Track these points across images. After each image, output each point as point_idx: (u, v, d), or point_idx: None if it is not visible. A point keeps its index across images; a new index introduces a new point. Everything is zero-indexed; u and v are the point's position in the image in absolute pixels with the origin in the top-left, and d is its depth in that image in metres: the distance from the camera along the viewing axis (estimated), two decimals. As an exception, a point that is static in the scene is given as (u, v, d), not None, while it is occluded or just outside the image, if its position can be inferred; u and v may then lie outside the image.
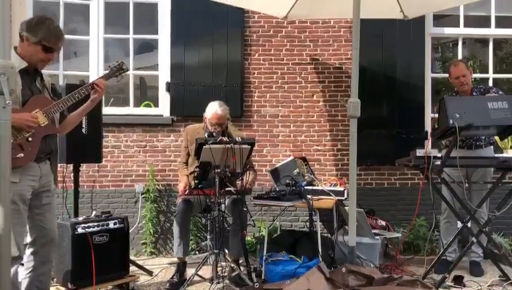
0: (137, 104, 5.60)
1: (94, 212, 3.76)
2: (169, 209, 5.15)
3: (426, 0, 4.47)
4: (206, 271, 3.84)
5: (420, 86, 5.23)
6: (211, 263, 3.68)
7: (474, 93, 4.16)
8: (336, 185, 4.32)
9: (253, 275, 3.89)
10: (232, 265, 3.83)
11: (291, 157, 4.64)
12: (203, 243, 4.96)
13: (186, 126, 4.66)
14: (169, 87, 5.20)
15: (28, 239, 2.88)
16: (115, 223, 3.66)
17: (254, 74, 5.26)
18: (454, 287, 3.77)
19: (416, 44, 5.23)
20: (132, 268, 3.98)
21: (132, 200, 5.17)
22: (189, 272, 3.94)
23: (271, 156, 5.23)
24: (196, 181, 3.73)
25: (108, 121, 4.85)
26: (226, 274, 3.76)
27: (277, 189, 4.21)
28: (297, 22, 5.23)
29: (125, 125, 5.20)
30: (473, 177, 4.21)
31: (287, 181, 4.10)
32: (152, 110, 5.43)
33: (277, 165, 4.56)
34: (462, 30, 5.46)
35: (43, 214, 2.86)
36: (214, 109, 4.10)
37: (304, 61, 5.28)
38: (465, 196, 3.98)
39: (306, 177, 4.35)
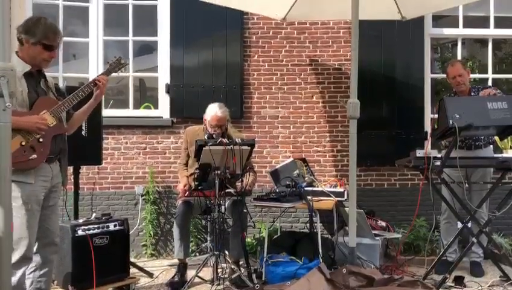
0: (137, 106, 5.61)
1: (94, 215, 3.76)
2: (169, 211, 5.15)
3: (424, 1, 4.48)
4: (207, 273, 3.84)
5: (419, 86, 5.23)
6: (212, 265, 3.68)
7: (472, 94, 4.17)
8: (335, 186, 4.33)
9: (254, 276, 3.89)
10: (233, 266, 3.83)
11: (291, 159, 4.65)
12: (203, 245, 4.96)
13: (186, 128, 4.66)
14: (168, 89, 5.20)
15: None
16: (115, 225, 3.66)
17: (254, 75, 5.26)
18: (455, 287, 3.77)
19: (416, 45, 5.24)
20: (132, 270, 3.99)
21: (132, 202, 5.17)
22: (190, 273, 3.94)
23: (271, 158, 5.23)
24: (196, 183, 3.74)
25: (108, 123, 4.85)
26: (226, 276, 3.76)
27: (277, 190, 4.20)
28: (296, 23, 5.24)
29: (125, 127, 5.20)
30: (473, 177, 4.21)
31: (287, 182, 4.10)
32: (152, 112, 5.44)
33: (277, 167, 4.56)
34: (461, 30, 5.47)
35: (49, 215, 2.90)
36: (213, 111, 4.10)
37: (303, 63, 5.29)
38: (465, 196, 3.98)
39: (306, 178, 4.35)
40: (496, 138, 4.44)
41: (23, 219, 2.67)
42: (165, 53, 5.23)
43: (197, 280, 3.75)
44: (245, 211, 4.01)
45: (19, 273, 2.71)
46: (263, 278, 3.87)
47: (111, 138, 5.15)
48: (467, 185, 4.12)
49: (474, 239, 3.81)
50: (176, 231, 4.01)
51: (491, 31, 5.46)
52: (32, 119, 2.69)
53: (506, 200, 3.78)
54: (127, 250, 3.78)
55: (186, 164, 4.30)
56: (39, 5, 5.26)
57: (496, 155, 4.23)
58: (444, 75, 4.54)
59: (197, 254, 4.97)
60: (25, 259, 2.73)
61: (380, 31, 5.16)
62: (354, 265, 3.46)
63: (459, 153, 3.73)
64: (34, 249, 2.87)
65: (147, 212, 5.07)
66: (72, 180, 4.10)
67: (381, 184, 5.25)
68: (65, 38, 5.29)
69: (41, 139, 2.73)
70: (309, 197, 3.94)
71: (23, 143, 2.66)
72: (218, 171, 3.58)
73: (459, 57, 5.45)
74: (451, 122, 3.44)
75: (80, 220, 3.62)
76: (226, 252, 3.96)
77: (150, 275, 4.22)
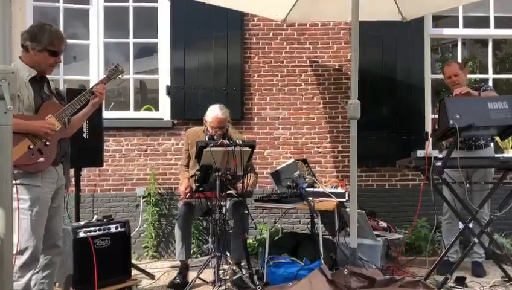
0: (137, 108, 5.62)
1: (95, 217, 3.76)
2: (170, 213, 5.15)
3: (424, 1, 4.48)
4: (208, 274, 3.84)
5: (420, 87, 5.23)
6: (213, 266, 3.68)
7: None
8: (336, 187, 4.33)
9: (255, 277, 3.88)
10: (234, 268, 3.83)
11: (292, 160, 4.65)
12: (204, 246, 4.97)
13: (186, 129, 4.67)
14: (169, 90, 5.21)
15: None
16: (116, 227, 3.67)
17: (254, 76, 5.27)
18: (457, 288, 3.77)
19: (416, 45, 5.24)
20: (134, 272, 3.99)
21: (133, 204, 5.17)
22: (191, 275, 3.93)
23: (272, 159, 5.24)
24: (197, 184, 3.74)
25: (109, 125, 4.86)
26: (228, 277, 3.76)
27: (278, 191, 4.20)
28: (296, 24, 5.25)
29: (126, 129, 5.21)
30: (474, 177, 4.21)
31: (288, 183, 4.10)
32: (153, 114, 5.45)
33: (278, 168, 4.57)
34: (461, 31, 5.47)
35: (53, 216, 2.93)
36: (214, 112, 4.11)
37: (303, 64, 5.29)
38: (466, 197, 3.98)
39: (307, 179, 4.36)
40: (497, 138, 4.44)
41: (31, 221, 2.71)
42: (166, 55, 5.24)
43: (198, 281, 3.76)
44: (246, 212, 4.01)
45: (29, 274, 2.75)
46: (265, 280, 3.87)
47: (112, 140, 5.16)
48: (468, 186, 4.12)
49: (475, 239, 3.80)
50: (177, 232, 4.01)
51: (491, 31, 5.46)
52: (40, 123, 2.75)
53: (508, 200, 3.77)
54: (129, 252, 3.78)
55: (187, 166, 4.30)
56: (40, 8, 5.28)
57: (497, 155, 4.23)
58: (445, 76, 4.55)
59: (199, 255, 4.98)
60: (33, 261, 2.77)
61: (380, 32, 5.17)
62: (356, 266, 3.45)
63: (460, 154, 3.73)
64: None
65: (148, 214, 5.07)
66: (74, 182, 4.10)
67: (382, 185, 5.25)
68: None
69: (48, 143, 2.79)
70: (310, 198, 3.94)
71: (31, 146, 2.72)
72: (219, 173, 3.58)
73: (459, 58, 5.45)
74: (451, 122, 3.44)
75: (82, 222, 3.63)
76: (228, 254, 3.96)
77: (152, 276, 4.22)
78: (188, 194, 3.98)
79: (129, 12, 5.32)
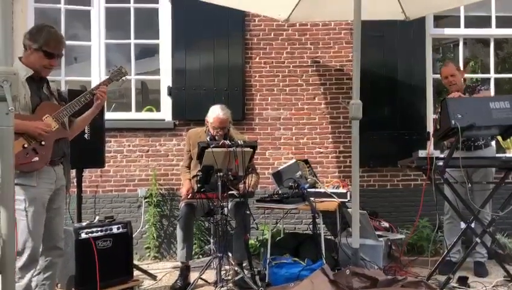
0: (139, 108, 5.62)
1: (97, 217, 3.76)
2: (172, 214, 5.15)
3: (428, 1, 4.48)
4: (210, 275, 3.84)
5: (421, 87, 5.23)
6: (215, 267, 3.68)
7: (466, 94, 4.19)
8: (338, 187, 4.32)
9: (257, 278, 3.87)
10: (236, 268, 3.82)
11: (294, 160, 4.64)
12: (206, 247, 4.97)
13: (188, 130, 4.67)
14: (170, 91, 5.21)
15: None
16: (118, 228, 3.67)
17: (255, 77, 5.27)
18: (459, 288, 3.76)
19: (417, 45, 5.23)
20: (136, 273, 3.99)
21: (135, 204, 5.17)
22: (193, 276, 3.93)
23: (273, 159, 5.23)
24: (199, 185, 3.74)
25: (111, 126, 4.87)
26: (229, 278, 3.77)
27: (280, 192, 4.20)
28: (297, 24, 5.25)
29: (128, 130, 5.21)
30: (474, 177, 4.20)
31: (290, 184, 4.10)
32: (154, 115, 5.45)
33: (279, 168, 4.57)
34: (462, 31, 5.47)
35: (53, 218, 2.91)
36: (216, 113, 4.11)
37: (305, 64, 5.29)
38: (468, 196, 3.97)
39: (308, 179, 4.35)
40: (499, 137, 4.43)
41: (28, 222, 2.70)
42: (167, 56, 5.24)
43: (200, 282, 3.75)
44: (248, 212, 4.00)
45: (28, 275, 2.74)
46: (266, 280, 3.86)
47: (113, 141, 5.17)
48: (469, 185, 4.12)
49: (477, 239, 3.79)
50: (179, 233, 4.01)
51: (493, 31, 5.45)
52: (35, 124, 2.72)
53: (510, 200, 3.76)
54: (130, 253, 3.79)
55: (189, 166, 4.30)
56: (41, 9, 5.29)
57: (498, 155, 4.23)
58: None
59: (201, 256, 4.97)
60: (33, 261, 2.75)
61: (382, 32, 5.17)
62: (358, 266, 3.45)
63: (459, 155, 3.72)
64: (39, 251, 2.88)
65: (150, 215, 5.07)
66: (75, 183, 4.11)
67: (384, 185, 5.24)
68: (67, 42, 5.31)
69: (43, 142, 2.77)
70: (312, 199, 3.94)
71: (26, 145, 2.70)
72: (221, 173, 3.58)
73: (460, 57, 5.45)
74: (453, 122, 3.43)
75: (83, 223, 3.63)
76: (229, 254, 3.96)
77: (153, 277, 4.22)
78: (190, 195, 3.98)
79: (130, 13, 5.32)
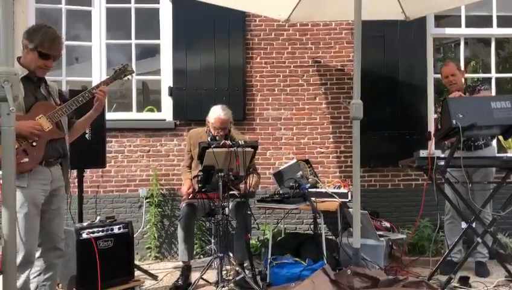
0: (140, 109, 5.62)
1: (98, 218, 3.77)
2: (173, 214, 5.15)
3: (428, 0, 4.47)
4: (211, 275, 3.84)
5: (422, 87, 5.23)
6: (216, 267, 3.68)
7: (466, 93, 4.18)
8: (339, 187, 4.32)
9: (258, 278, 3.88)
10: (237, 269, 3.83)
11: (295, 160, 4.64)
12: (207, 247, 4.97)
13: (189, 130, 4.67)
14: (171, 91, 5.22)
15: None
16: (119, 228, 3.67)
17: (256, 77, 5.27)
18: (460, 288, 3.76)
19: (418, 45, 5.23)
20: (137, 273, 3.99)
21: (136, 205, 5.17)
22: (194, 276, 3.94)
23: (274, 159, 5.23)
24: (200, 185, 3.74)
25: (112, 126, 4.87)
26: (231, 278, 3.77)
27: (281, 192, 4.20)
28: (298, 24, 5.24)
29: (128, 130, 5.21)
30: (474, 177, 4.20)
31: (291, 184, 4.10)
32: (155, 115, 5.45)
33: (280, 168, 4.56)
34: (463, 30, 5.46)
35: (52, 219, 2.89)
36: (217, 113, 4.11)
37: (305, 64, 5.29)
38: (470, 196, 3.97)
39: (309, 179, 4.35)
40: (500, 137, 4.43)
41: (22, 223, 2.66)
42: (168, 56, 5.25)
43: (201, 282, 3.75)
44: (249, 213, 4.00)
45: (23, 277, 2.72)
46: (267, 280, 3.87)
47: (114, 141, 5.17)
48: (470, 185, 4.11)
49: (479, 239, 3.79)
50: (180, 233, 4.02)
51: (494, 31, 5.45)
52: (26, 124, 2.67)
53: (511, 200, 3.76)
54: (132, 253, 3.78)
55: (190, 167, 4.30)
56: (42, 10, 5.30)
57: (499, 155, 4.22)
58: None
59: (201, 256, 4.98)
60: (27, 263, 2.73)
61: (382, 32, 5.17)
62: (359, 266, 3.45)
63: (459, 155, 3.71)
64: (38, 253, 2.87)
65: (151, 215, 5.07)
66: (76, 183, 4.11)
67: (385, 185, 5.24)
68: (68, 42, 5.35)
69: (34, 143, 2.72)
70: (313, 199, 3.94)
71: (15, 146, 2.62)
72: (222, 173, 3.58)
73: (461, 57, 5.45)
74: (454, 122, 3.43)
75: (84, 223, 3.63)
76: (231, 254, 3.96)
77: (155, 277, 4.22)
78: (191, 195, 3.98)
79: (131, 13, 5.32)
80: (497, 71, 5.69)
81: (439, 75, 5.61)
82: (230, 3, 4.57)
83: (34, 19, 5.16)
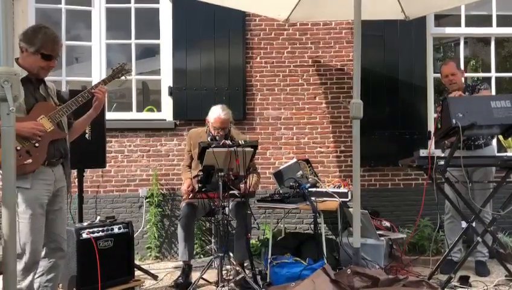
0: (140, 108, 5.62)
1: (98, 218, 3.77)
2: (173, 213, 5.15)
3: (427, 1, 4.47)
4: (211, 275, 3.84)
5: (422, 86, 5.23)
6: (216, 267, 3.68)
7: (466, 93, 4.18)
8: (339, 186, 4.33)
9: (259, 278, 3.88)
10: (237, 268, 3.83)
11: (295, 160, 4.65)
12: (207, 247, 4.97)
13: (189, 130, 4.67)
14: (171, 91, 5.22)
15: None
16: (119, 228, 3.67)
17: (256, 76, 5.27)
18: (460, 287, 3.76)
19: (418, 44, 5.23)
20: (137, 273, 3.99)
21: (136, 204, 5.17)
22: (195, 275, 3.94)
23: (274, 159, 5.24)
24: (200, 185, 3.74)
25: (112, 126, 4.87)
26: (231, 277, 3.77)
27: (281, 191, 4.20)
28: (298, 24, 5.24)
29: (128, 130, 5.21)
30: (474, 177, 4.20)
31: (291, 183, 4.10)
32: (155, 115, 5.45)
33: (280, 168, 4.57)
34: (463, 30, 5.46)
35: (54, 219, 2.89)
36: (216, 113, 4.11)
37: (305, 64, 5.29)
38: (470, 196, 3.97)
39: (310, 179, 4.35)
40: (500, 136, 4.42)
41: (27, 224, 2.67)
42: (168, 56, 5.25)
43: (201, 282, 3.76)
44: (249, 212, 4.00)
45: (30, 277, 2.72)
46: (268, 280, 3.87)
47: (114, 141, 5.17)
48: (470, 185, 4.11)
49: (479, 238, 3.79)
50: (180, 233, 4.02)
51: (494, 30, 5.45)
52: (28, 125, 2.68)
53: (511, 199, 3.76)
54: (132, 252, 3.78)
55: (190, 166, 4.30)
56: (42, 10, 5.30)
57: (499, 154, 4.22)
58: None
59: (202, 255, 4.98)
60: (33, 263, 2.74)
61: (382, 31, 5.17)
62: (359, 266, 3.45)
63: (459, 154, 3.71)
64: (43, 253, 2.87)
65: (151, 215, 5.07)
66: (76, 183, 4.11)
67: (385, 184, 5.24)
68: (68, 42, 5.36)
69: (37, 144, 2.72)
70: (313, 198, 3.94)
71: (18, 148, 2.62)
72: (222, 173, 3.58)
73: (461, 56, 5.44)
74: (454, 121, 3.43)
75: (85, 223, 3.63)
76: (231, 254, 3.96)
77: (155, 277, 4.22)
78: (191, 194, 3.98)
79: (131, 13, 5.32)
80: (497, 71, 5.68)
81: (439, 75, 5.62)
82: (230, 3, 4.58)
83: (34, 19, 5.15)
